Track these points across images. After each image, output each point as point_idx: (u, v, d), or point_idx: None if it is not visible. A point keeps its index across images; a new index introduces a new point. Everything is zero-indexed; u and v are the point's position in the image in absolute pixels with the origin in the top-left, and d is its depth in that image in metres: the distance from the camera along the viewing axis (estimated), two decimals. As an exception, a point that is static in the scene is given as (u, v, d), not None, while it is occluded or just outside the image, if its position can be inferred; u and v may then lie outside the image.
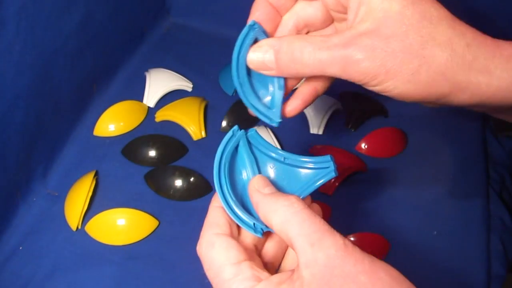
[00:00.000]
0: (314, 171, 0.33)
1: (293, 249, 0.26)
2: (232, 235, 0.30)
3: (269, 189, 0.30)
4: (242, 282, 0.27)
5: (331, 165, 0.32)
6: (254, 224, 0.30)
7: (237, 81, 0.32)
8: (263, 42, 0.32)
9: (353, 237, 0.50)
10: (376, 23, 0.28)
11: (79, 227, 0.51)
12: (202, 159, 0.57)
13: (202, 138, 0.59)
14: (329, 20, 0.34)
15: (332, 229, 0.26)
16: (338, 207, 0.52)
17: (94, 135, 0.59)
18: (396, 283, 0.25)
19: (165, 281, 0.48)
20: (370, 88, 0.30)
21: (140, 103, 0.62)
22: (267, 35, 0.32)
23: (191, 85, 0.65)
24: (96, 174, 0.55)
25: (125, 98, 0.62)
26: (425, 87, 0.29)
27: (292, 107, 0.35)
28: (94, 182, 0.54)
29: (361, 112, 0.61)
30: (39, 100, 0.51)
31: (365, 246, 0.50)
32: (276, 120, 0.34)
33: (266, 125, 0.59)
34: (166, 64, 0.67)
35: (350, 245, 0.25)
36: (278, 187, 0.32)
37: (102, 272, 0.49)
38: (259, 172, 0.33)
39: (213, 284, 0.29)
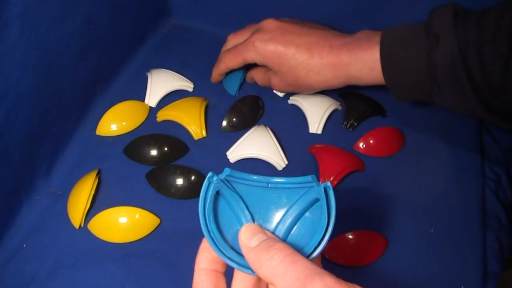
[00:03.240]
0: (299, 190, 0.33)
1: None
2: (221, 270, 0.32)
3: (256, 238, 0.30)
4: None
5: (315, 185, 0.32)
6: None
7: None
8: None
9: (351, 235, 0.51)
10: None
11: (82, 225, 0.52)
12: (203, 158, 0.58)
13: (203, 138, 0.60)
14: None
15: (312, 273, 0.26)
16: (336, 205, 0.53)
17: (97, 135, 0.60)
18: None
19: (167, 278, 0.49)
20: None
21: (142, 103, 0.63)
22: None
23: (192, 85, 0.66)
24: (98, 173, 0.56)
25: (127, 98, 0.63)
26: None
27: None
28: (97, 181, 0.54)
29: (360, 111, 0.62)
30: (42, 100, 0.51)
31: (363, 243, 0.51)
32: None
33: (265, 125, 0.60)
34: (168, 64, 0.68)
35: (332, 285, 0.26)
36: (269, 214, 0.33)
37: (105, 269, 0.49)
38: (248, 207, 0.33)
39: None
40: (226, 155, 0.58)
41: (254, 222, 0.33)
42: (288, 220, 0.33)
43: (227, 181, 0.33)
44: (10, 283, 0.49)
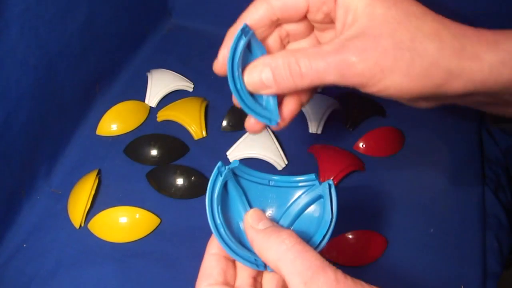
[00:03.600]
0: (300, 189, 0.34)
1: (288, 286, 0.26)
2: (226, 283, 0.31)
3: (263, 223, 0.30)
4: None
5: (316, 183, 0.33)
6: (255, 259, 0.30)
7: (233, 87, 0.32)
8: (258, 62, 0.32)
9: (351, 234, 0.51)
10: (363, 27, 0.29)
11: (82, 225, 0.52)
12: (203, 158, 0.58)
13: (203, 138, 0.60)
14: (310, 30, 0.35)
15: (324, 264, 0.26)
16: (338, 202, 0.53)
17: (97, 135, 0.60)
18: None
19: (167, 277, 0.49)
20: (369, 91, 0.30)
21: (142, 103, 0.63)
22: (258, 41, 0.33)
23: (192, 86, 0.66)
24: (98, 173, 0.56)
25: (127, 98, 0.63)
26: (420, 79, 0.29)
27: (286, 114, 0.36)
28: (97, 181, 0.54)
29: (359, 111, 0.62)
30: (42, 100, 0.52)
31: (362, 243, 0.51)
32: (275, 119, 0.34)
33: (266, 127, 0.60)
34: (168, 64, 0.68)
35: (342, 279, 0.25)
36: (270, 211, 0.33)
37: (105, 269, 0.49)
38: (249, 203, 0.33)
39: None
40: (226, 155, 0.58)
41: None
42: (289, 217, 0.33)
43: (234, 174, 0.34)
44: (10, 282, 0.49)
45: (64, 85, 0.55)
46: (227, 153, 0.58)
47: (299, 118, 0.62)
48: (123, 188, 0.55)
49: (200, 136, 0.60)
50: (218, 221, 0.32)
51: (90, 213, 0.53)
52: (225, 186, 0.33)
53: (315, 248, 0.31)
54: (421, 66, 0.29)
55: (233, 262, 0.33)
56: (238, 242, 0.32)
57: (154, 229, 0.52)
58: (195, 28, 0.74)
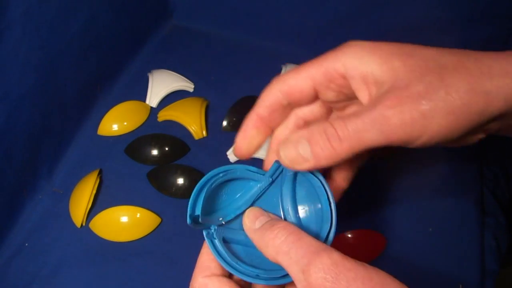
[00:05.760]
0: (273, 182, 0.33)
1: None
2: (223, 275, 0.31)
3: (260, 220, 0.30)
4: None
5: (282, 168, 0.32)
6: (257, 275, 0.29)
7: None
8: (292, 135, 0.30)
9: (350, 233, 0.51)
10: (390, 82, 0.28)
11: (84, 224, 0.52)
12: (203, 157, 0.58)
13: (203, 138, 0.61)
14: (329, 113, 0.34)
15: (318, 249, 0.26)
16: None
17: (98, 135, 0.60)
18: None
19: (167, 276, 0.49)
20: (419, 143, 0.28)
21: (143, 103, 0.63)
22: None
23: (193, 86, 0.66)
24: (100, 173, 0.56)
25: (128, 99, 0.63)
26: (463, 110, 0.27)
27: None
28: (98, 180, 0.55)
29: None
30: (44, 100, 0.52)
31: (362, 242, 0.51)
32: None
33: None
34: (169, 65, 0.68)
35: (340, 263, 0.25)
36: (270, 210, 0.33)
37: (106, 268, 0.50)
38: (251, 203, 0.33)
39: None
40: (227, 155, 0.58)
41: None
42: (290, 213, 0.33)
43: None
44: (12, 281, 0.49)
45: (65, 85, 0.55)
46: (227, 153, 0.58)
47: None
48: (124, 188, 0.56)
49: (201, 136, 0.60)
50: (213, 235, 0.32)
51: (91, 212, 0.53)
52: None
53: (324, 242, 0.30)
54: (459, 97, 0.26)
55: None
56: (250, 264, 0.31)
57: (155, 229, 0.53)
58: (196, 29, 0.74)
